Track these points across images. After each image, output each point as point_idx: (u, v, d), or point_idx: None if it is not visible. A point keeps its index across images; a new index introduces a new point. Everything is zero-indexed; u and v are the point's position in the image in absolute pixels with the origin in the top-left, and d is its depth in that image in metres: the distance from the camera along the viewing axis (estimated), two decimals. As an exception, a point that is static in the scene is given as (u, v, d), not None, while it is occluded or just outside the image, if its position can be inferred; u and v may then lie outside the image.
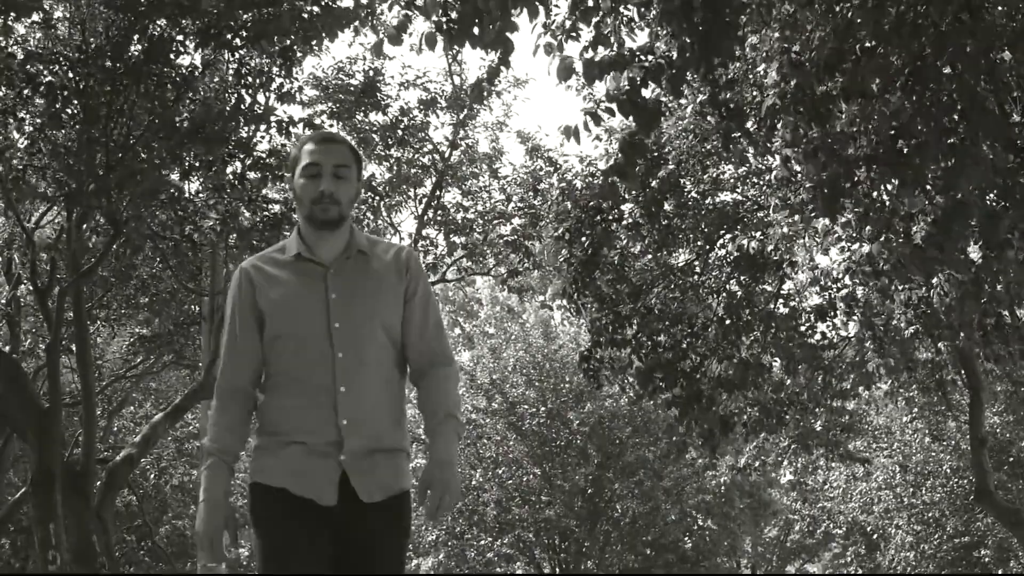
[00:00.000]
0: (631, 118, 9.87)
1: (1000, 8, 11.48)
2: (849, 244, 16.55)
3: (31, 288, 20.92)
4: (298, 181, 5.01)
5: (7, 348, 23.48)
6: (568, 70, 9.48)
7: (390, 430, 4.97)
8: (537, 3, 9.62)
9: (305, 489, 4.81)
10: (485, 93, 10.72)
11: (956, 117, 11.12)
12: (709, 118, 16.14)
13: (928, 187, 11.83)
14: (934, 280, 16.10)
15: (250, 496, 4.94)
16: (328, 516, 4.81)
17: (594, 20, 10.34)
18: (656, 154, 18.74)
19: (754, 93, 14.68)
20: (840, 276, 19.53)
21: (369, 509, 4.85)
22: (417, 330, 5.10)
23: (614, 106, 9.62)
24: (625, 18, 10.36)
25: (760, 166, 20.50)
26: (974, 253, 14.23)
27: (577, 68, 9.55)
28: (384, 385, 4.98)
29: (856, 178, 12.17)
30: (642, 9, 10.34)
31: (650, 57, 9.72)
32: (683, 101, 17.32)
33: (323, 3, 16.45)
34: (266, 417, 5.00)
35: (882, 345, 19.98)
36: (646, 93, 9.79)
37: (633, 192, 18.29)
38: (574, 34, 10.41)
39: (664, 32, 10.38)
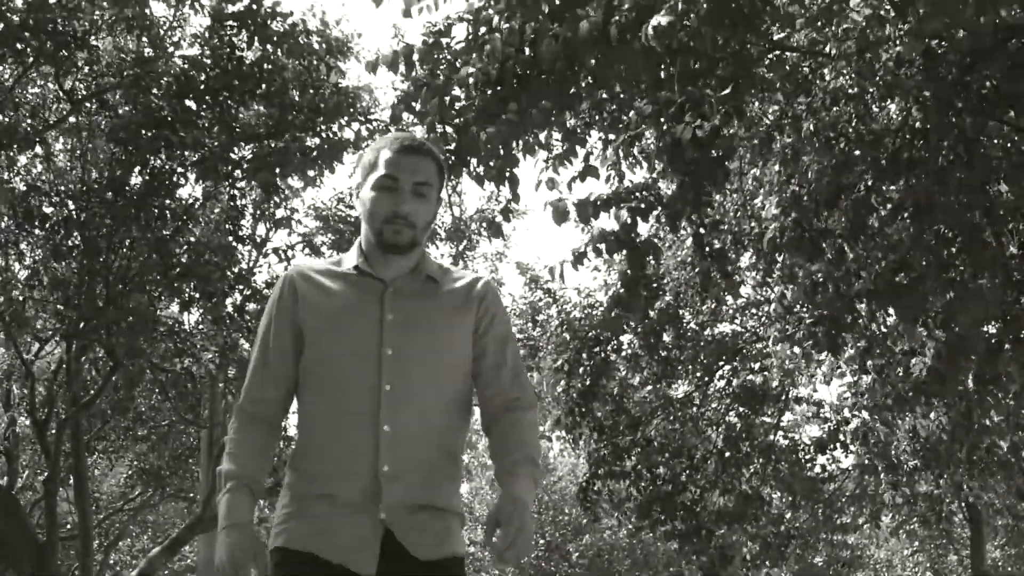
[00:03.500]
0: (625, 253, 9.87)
1: (995, 141, 11.58)
2: (852, 377, 16.61)
3: (30, 420, 20.84)
4: (368, 193, 4.14)
5: (5, 481, 23.36)
6: (563, 213, 9.41)
7: (441, 485, 4.10)
8: (533, 144, 9.71)
9: (336, 553, 3.92)
10: (500, 225, 10.77)
11: (954, 250, 11.17)
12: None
13: (928, 320, 11.86)
14: (931, 414, 16.15)
15: (271, 563, 4.05)
16: None
17: (582, 152, 10.46)
18: (655, 285, 18.82)
19: (752, 224, 14.76)
20: (841, 408, 19.56)
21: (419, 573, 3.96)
22: (491, 371, 4.22)
23: (603, 246, 9.57)
24: (622, 153, 10.43)
25: (759, 297, 20.58)
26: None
27: (571, 210, 9.51)
28: (438, 430, 4.09)
29: (856, 312, 12.21)
30: (635, 146, 10.42)
31: (644, 193, 9.75)
32: (682, 233, 17.44)
33: (323, 136, 16.64)
34: (295, 463, 4.13)
35: (885, 477, 19.97)
36: (642, 230, 9.84)
37: (632, 323, 18.32)
38: (567, 162, 10.46)
39: (659, 169, 10.47)
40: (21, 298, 17.75)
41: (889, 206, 11.41)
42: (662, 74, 9.19)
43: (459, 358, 4.18)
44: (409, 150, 4.15)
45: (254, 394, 4.21)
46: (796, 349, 15.63)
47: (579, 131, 10.69)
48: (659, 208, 9.61)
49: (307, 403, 4.15)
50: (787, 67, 11.76)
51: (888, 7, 10.40)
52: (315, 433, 4.09)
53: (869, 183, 11.30)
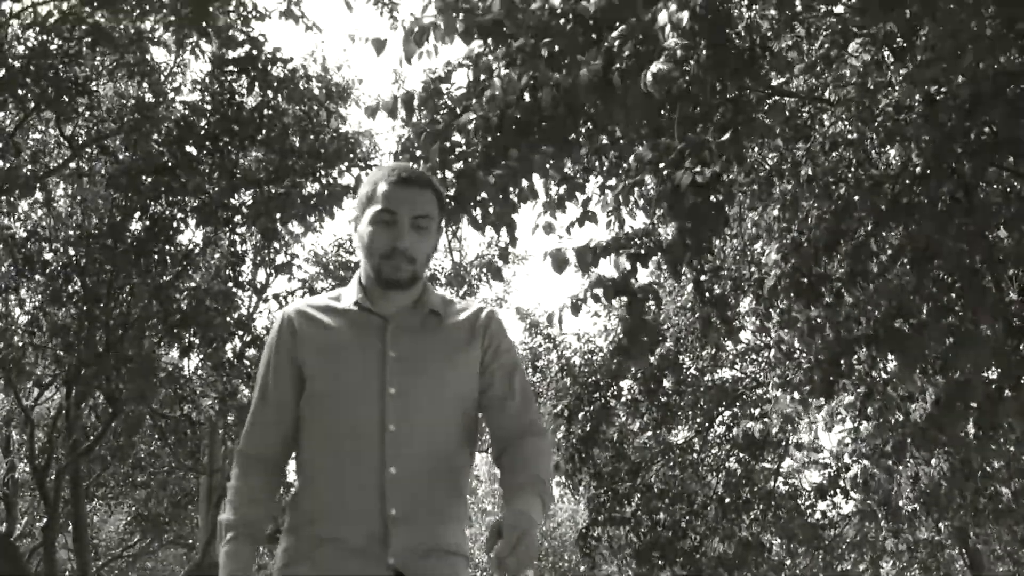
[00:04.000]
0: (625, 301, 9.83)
1: (995, 186, 11.60)
2: (852, 423, 16.61)
3: (29, 466, 20.81)
4: (366, 227, 3.96)
5: (3, 527, 23.32)
6: (562, 261, 9.32)
7: (448, 527, 3.92)
8: (527, 192, 9.69)
9: None
10: (500, 268, 10.74)
11: (954, 296, 11.18)
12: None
13: (927, 367, 11.85)
14: (932, 460, 16.14)
15: None
16: None
17: (580, 197, 10.46)
18: (655, 332, 18.83)
19: (752, 269, 14.78)
20: (841, 454, 19.54)
21: None
22: (500, 403, 4.04)
23: (600, 292, 9.52)
24: (621, 199, 10.42)
25: (759, 342, 20.59)
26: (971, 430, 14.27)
27: (571, 258, 9.43)
28: (444, 470, 3.93)
29: (856, 358, 12.20)
30: (635, 192, 10.42)
31: (644, 239, 9.71)
32: (683, 278, 17.46)
33: (323, 181, 16.67)
34: (297, 505, 3.96)
35: (885, 524, 19.94)
36: (642, 275, 9.81)
37: (634, 368, 18.32)
38: (563, 208, 10.47)
39: (658, 214, 10.47)
40: (21, 344, 17.74)
41: (889, 251, 11.43)
42: (662, 120, 9.20)
43: (464, 394, 4.02)
44: (407, 182, 3.98)
45: (255, 436, 4.06)
46: (796, 395, 15.64)
47: (578, 176, 10.70)
48: (659, 254, 9.58)
49: (309, 444, 3.98)
50: (786, 112, 11.79)
51: (887, 53, 10.44)
52: (318, 475, 3.92)
53: (869, 228, 11.31)
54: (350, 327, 4.00)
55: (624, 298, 9.61)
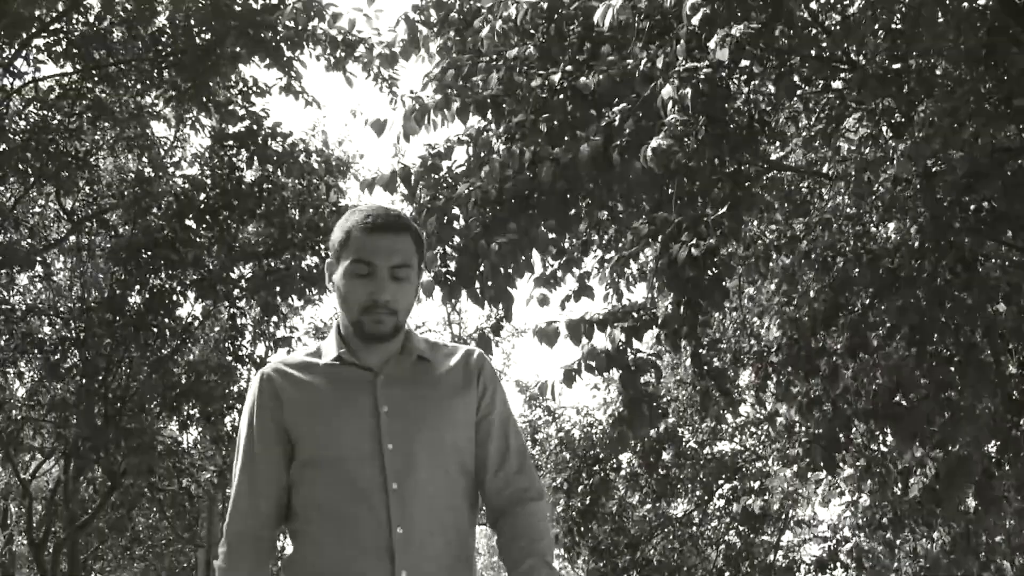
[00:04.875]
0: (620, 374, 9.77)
1: (994, 261, 11.61)
2: (851, 496, 16.54)
3: (26, 539, 20.72)
4: (342, 279, 3.68)
5: (-1, 601, 23.20)
6: (552, 335, 9.20)
7: None
8: (523, 268, 9.66)
9: None
10: (491, 341, 10.58)
11: (953, 370, 11.15)
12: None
13: (925, 441, 11.82)
14: (935, 534, 16.07)
15: None
16: None
17: (577, 272, 10.45)
18: (654, 404, 18.79)
19: (751, 342, 14.75)
20: (840, 527, 19.46)
21: None
22: (495, 459, 3.80)
23: (594, 364, 9.43)
24: (616, 274, 10.40)
25: (758, 415, 20.55)
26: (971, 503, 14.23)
27: (562, 330, 9.32)
28: (452, 531, 3.68)
29: (854, 431, 12.17)
30: (631, 265, 10.42)
31: (640, 313, 9.65)
32: (682, 351, 17.44)
33: (323, 255, 16.70)
34: (293, 573, 3.68)
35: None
36: (639, 347, 9.77)
37: (632, 442, 18.27)
38: (560, 282, 10.46)
39: (655, 286, 10.46)
40: (19, 417, 17.73)
41: (888, 324, 11.42)
42: (661, 194, 9.22)
43: (462, 445, 3.75)
44: (382, 229, 3.67)
45: (244, 511, 3.73)
46: (795, 468, 15.60)
47: (575, 252, 10.68)
48: (654, 327, 9.54)
49: (305, 511, 3.68)
50: (785, 187, 11.82)
51: (885, 128, 10.48)
52: (317, 541, 3.63)
53: (867, 302, 11.31)
54: (335, 384, 3.72)
55: (619, 370, 9.58)
